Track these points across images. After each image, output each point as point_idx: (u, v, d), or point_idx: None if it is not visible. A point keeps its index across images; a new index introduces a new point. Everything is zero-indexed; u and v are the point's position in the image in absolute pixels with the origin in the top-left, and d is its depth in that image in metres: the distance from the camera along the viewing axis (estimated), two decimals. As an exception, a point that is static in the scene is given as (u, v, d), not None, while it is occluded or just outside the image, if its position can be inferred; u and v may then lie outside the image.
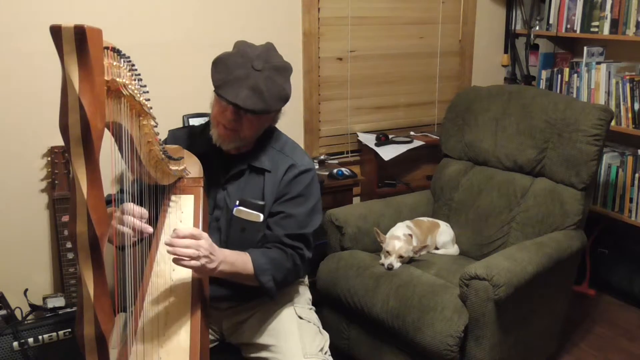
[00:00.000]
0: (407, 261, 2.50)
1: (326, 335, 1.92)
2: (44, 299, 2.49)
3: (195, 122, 2.67)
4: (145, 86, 1.34)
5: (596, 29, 3.23)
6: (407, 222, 2.72)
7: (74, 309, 2.42)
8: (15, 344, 2.22)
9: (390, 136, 3.38)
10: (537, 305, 2.41)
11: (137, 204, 1.55)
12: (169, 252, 1.44)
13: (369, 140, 3.35)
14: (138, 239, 1.53)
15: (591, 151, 2.49)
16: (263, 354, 1.82)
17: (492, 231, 2.71)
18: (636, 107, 3.05)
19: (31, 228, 2.61)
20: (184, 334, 1.52)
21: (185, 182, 1.78)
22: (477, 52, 3.76)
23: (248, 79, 1.67)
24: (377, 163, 3.30)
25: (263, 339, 1.84)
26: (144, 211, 1.54)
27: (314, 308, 2.02)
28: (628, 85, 3.07)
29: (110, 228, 1.51)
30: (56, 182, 2.47)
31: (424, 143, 3.39)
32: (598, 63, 3.23)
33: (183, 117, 2.78)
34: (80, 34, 1.01)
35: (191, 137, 1.94)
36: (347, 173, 3.09)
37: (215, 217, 1.86)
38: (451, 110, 3.04)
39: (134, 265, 1.47)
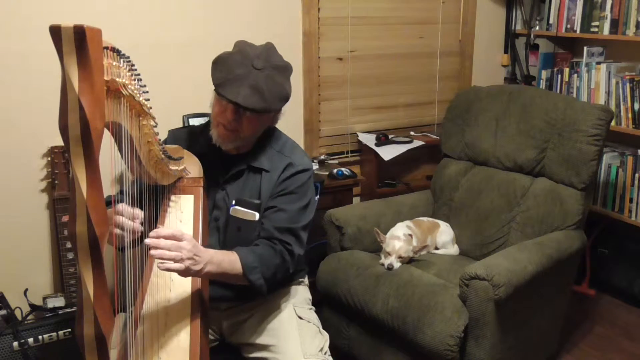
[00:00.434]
0: (407, 261, 2.50)
1: (326, 335, 1.92)
2: (44, 299, 2.49)
3: (195, 122, 2.66)
4: (145, 86, 1.34)
5: (596, 29, 3.23)
6: (407, 222, 2.72)
7: (74, 309, 2.42)
8: (15, 344, 2.22)
9: (390, 136, 3.38)
10: (537, 305, 2.41)
11: (137, 204, 1.55)
12: (151, 254, 1.40)
13: (369, 140, 3.35)
14: (131, 240, 1.52)
15: (591, 151, 2.49)
16: (263, 354, 1.81)
17: (492, 231, 2.71)
18: (636, 107, 3.05)
19: (31, 228, 2.61)
20: (183, 334, 1.52)
21: (185, 182, 1.78)
22: (477, 52, 3.76)
23: (248, 78, 1.67)
24: (377, 163, 3.30)
25: (263, 339, 1.84)
26: (137, 211, 1.54)
27: (313, 308, 2.01)
28: (628, 85, 3.07)
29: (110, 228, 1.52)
30: (56, 182, 2.47)
31: (424, 143, 3.39)
32: (598, 63, 3.23)
33: (183, 117, 2.78)
34: (80, 34, 1.01)
35: (191, 137, 1.94)
36: (347, 173, 3.09)
37: (214, 217, 1.86)
38: (451, 110, 3.04)
39: (133, 265, 1.47)
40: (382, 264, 2.46)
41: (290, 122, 3.12)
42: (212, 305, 1.82)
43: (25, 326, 2.27)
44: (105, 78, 1.12)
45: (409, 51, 3.53)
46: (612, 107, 3.14)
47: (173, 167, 1.65)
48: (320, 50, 3.23)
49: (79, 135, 1.03)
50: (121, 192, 1.63)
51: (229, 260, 1.64)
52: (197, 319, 1.55)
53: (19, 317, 2.39)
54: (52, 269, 2.69)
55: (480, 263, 2.18)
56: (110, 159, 1.31)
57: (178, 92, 2.81)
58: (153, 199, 1.65)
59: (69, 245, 2.43)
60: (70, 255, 2.45)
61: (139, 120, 1.38)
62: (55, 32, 1.01)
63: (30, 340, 2.25)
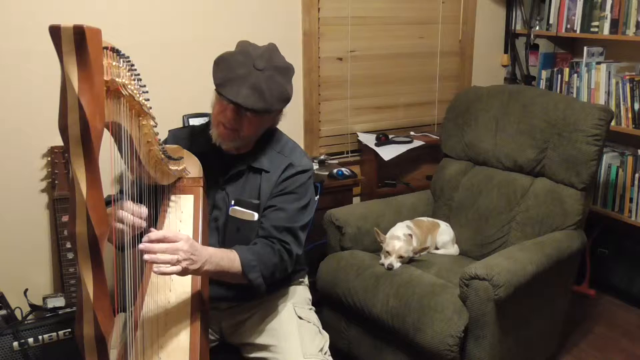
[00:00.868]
0: (407, 261, 2.50)
1: (326, 335, 1.92)
2: (44, 299, 2.48)
3: (195, 122, 2.67)
4: (144, 86, 1.34)
5: (596, 29, 3.23)
6: (407, 222, 2.72)
7: (74, 309, 2.42)
8: (15, 344, 2.22)
9: (390, 136, 3.38)
10: (537, 305, 2.41)
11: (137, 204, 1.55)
12: (145, 259, 1.39)
13: (369, 140, 3.35)
14: (132, 235, 1.52)
15: (591, 151, 2.49)
16: (263, 354, 1.81)
17: (492, 231, 2.71)
18: (636, 107, 3.05)
19: (31, 228, 2.61)
20: (183, 334, 1.52)
21: (185, 182, 1.78)
22: (477, 52, 3.76)
23: (249, 78, 1.67)
24: (377, 163, 3.30)
25: (263, 339, 1.84)
26: (143, 208, 1.54)
27: (313, 308, 2.02)
28: (628, 85, 3.07)
29: (110, 227, 1.52)
30: (56, 182, 2.47)
31: (424, 143, 3.39)
32: (598, 63, 3.23)
33: (183, 117, 2.78)
34: (80, 34, 1.01)
35: (191, 137, 1.94)
36: (347, 173, 3.09)
37: (214, 218, 1.86)
38: (451, 110, 3.04)
39: (133, 265, 1.47)
40: (382, 264, 2.46)
41: (290, 122, 3.12)
42: (212, 305, 1.82)
43: (25, 326, 2.27)
44: (105, 78, 1.12)
45: (409, 51, 3.53)
46: (612, 107, 3.14)
47: (173, 167, 1.65)
48: (320, 50, 3.23)
49: (78, 135, 1.03)
50: (121, 191, 1.63)
51: (227, 259, 1.64)
52: (197, 319, 1.55)
53: (19, 317, 2.40)
54: (52, 269, 2.69)
55: (480, 263, 2.18)
56: (110, 159, 1.31)
57: (178, 92, 2.81)
58: (153, 199, 1.65)
59: (69, 245, 2.43)
60: (70, 255, 2.45)
61: (139, 120, 1.38)
62: (55, 32, 1.01)
63: (30, 340, 2.25)
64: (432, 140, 3.42)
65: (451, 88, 3.72)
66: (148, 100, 1.37)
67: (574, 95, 3.37)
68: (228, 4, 2.89)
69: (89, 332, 1.10)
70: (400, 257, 2.46)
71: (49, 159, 2.52)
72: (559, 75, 3.49)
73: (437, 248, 2.76)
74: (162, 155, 1.55)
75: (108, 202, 1.62)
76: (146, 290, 1.57)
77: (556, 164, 2.60)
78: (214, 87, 1.73)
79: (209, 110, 1.82)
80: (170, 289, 1.60)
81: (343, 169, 3.11)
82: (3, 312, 2.36)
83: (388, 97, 3.54)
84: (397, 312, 2.24)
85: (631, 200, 3.12)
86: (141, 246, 1.39)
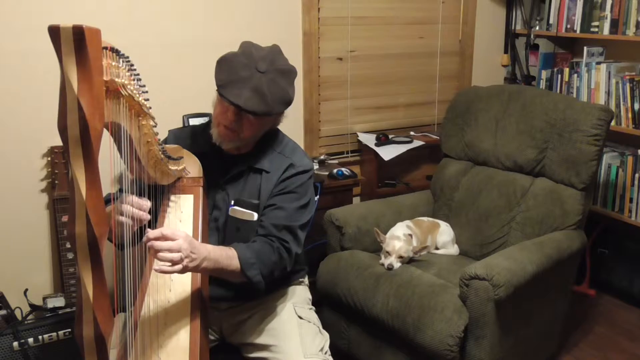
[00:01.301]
0: (407, 261, 2.50)
1: (326, 335, 1.92)
2: (44, 299, 2.49)
3: (195, 122, 2.66)
4: (144, 86, 1.34)
5: (596, 29, 3.23)
6: (407, 222, 2.72)
7: (74, 309, 2.41)
8: (15, 344, 2.22)
9: (390, 136, 3.38)
10: (537, 305, 2.41)
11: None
12: (152, 255, 1.40)
13: (369, 140, 3.35)
14: (137, 229, 1.52)
15: (591, 151, 2.49)
16: (263, 354, 1.81)
17: (492, 231, 2.71)
18: (636, 107, 3.04)
19: (31, 228, 2.61)
20: (183, 334, 1.52)
21: (185, 182, 1.78)
22: (477, 52, 3.76)
23: (251, 81, 1.67)
24: (377, 163, 3.30)
25: (263, 339, 1.84)
26: (146, 202, 1.54)
27: (313, 308, 2.01)
28: (628, 85, 3.06)
29: (111, 226, 1.52)
30: (56, 182, 2.48)
31: (424, 143, 3.39)
32: (598, 63, 3.23)
33: (183, 117, 2.78)
34: (79, 34, 1.01)
35: (192, 137, 1.94)
36: (347, 173, 3.09)
37: (214, 218, 1.86)
38: (451, 110, 3.04)
39: (133, 265, 1.47)
40: (382, 264, 2.46)
41: (290, 122, 3.09)
42: (212, 305, 1.82)
43: (25, 326, 2.27)
44: (105, 78, 1.12)
45: (409, 51, 3.53)
46: (612, 107, 3.13)
47: (173, 167, 1.65)
48: (320, 50, 3.23)
49: (78, 135, 1.02)
50: (120, 191, 1.63)
51: (226, 256, 1.63)
52: (197, 318, 1.55)
53: (19, 317, 2.40)
54: (52, 269, 2.69)
55: (480, 263, 2.18)
56: (110, 159, 1.31)
57: (178, 92, 2.81)
58: (153, 198, 1.65)
59: (68, 245, 2.43)
60: (70, 255, 2.45)
61: (139, 120, 1.38)
62: (54, 32, 1.01)
63: (30, 340, 2.25)
64: (432, 140, 3.42)
65: (451, 88, 3.72)
66: (148, 100, 1.37)
67: (574, 95, 3.37)
68: (228, 4, 2.89)
69: (89, 332, 1.10)
70: (400, 257, 2.46)
71: (49, 159, 2.52)
72: (559, 75, 3.49)
73: (437, 248, 2.76)
74: (162, 155, 1.55)
75: (108, 200, 1.63)
76: (146, 290, 1.57)
77: (556, 164, 2.60)
78: (214, 87, 1.73)
79: (209, 110, 1.82)
80: (170, 289, 1.60)
81: (343, 169, 3.11)
82: (3, 312, 2.36)
83: (388, 97, 3.54)
84: (397, 312, 2.24)
85: (631, 200, 3.12)
86: (150, 243, 1.40)
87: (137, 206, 1.51)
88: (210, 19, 2.86)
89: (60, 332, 2.30)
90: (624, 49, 3.27)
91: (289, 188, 1.83)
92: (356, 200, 3.38)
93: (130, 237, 1.46)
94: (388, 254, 2.47)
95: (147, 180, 1.60)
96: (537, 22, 3.65)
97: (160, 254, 1.41)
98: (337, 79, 3.34)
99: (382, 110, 3.55)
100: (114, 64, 1.17)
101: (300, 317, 1.89)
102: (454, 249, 2.77)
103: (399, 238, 2.51)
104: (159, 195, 1.70)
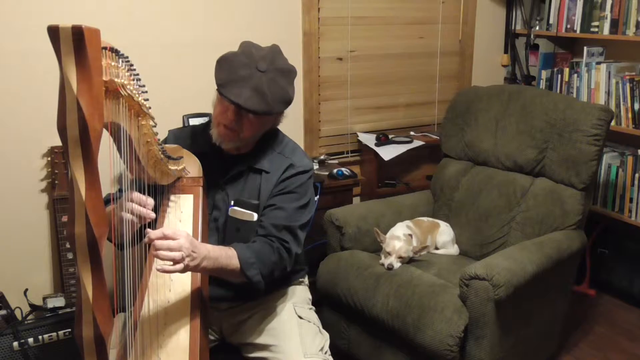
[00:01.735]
0: (407, 261, 2.50)
1: (326, 335, 1.92)
2: (44, 299, 2.49)
3: (195, 122, 2.66)
4: (144, 86, 1.33)
5: (596, 29, 3.23)
6: (407, 222, 2.72)
7: (74, 309, 2.42)
8: (15, 344, 2.22)
9: (390, 136, 3.38)
10: (537, 305, 2.41)
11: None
12: (154, 255, 1.40)
13: (369, 140, 3.34)
14: (135, 234, 1.52)
15: (591, 151, 2.49)
16: (263, 354, 1.81)
17: (492, 231, 2.71)
18: (636, 107, 3.04)
19: (31, 228, 2.61)
20: (183, 334, 1.52)
21: (185, 182, 1.78)
22: (477, 52, 3.76)
23: (251, 80, 1.67)
24: (377, 163, 3.30)
25: (263, 339, 1.84)
26: (150, 199, 1.54)
27: (313, 308, 2.02)
28: (628, 85, 3.06)
29: (112, 225, 1.52)
30: (56, 182, 2.48)
31: (424, 143, 3.39)
32: (598, 63, 3.23)
33: (183, 117, 2.78)
34: (78, 34, 1.00)
35: (192, 137, 1.94)
36: (347, 173, 3.09)
37: (214, 218, 1.86)
38: (451, 110, 3.04)
39: (133, 265, 1.47)
40: (382, 264, 2.46)
41: (290, 122, 3.09)
42: (212, 305, 1.82)
43: (25, 326, 2.27)
44: (104, 78, 1.11)
45: (409, 51, 3.53)
46: (612, 107, 3.13)
47: (172, 167, 1.65)
48: (320, 50, 3.23)
49: (77, 136, 1.02)
50: (120, 191, 1.63)
51: (225, 256, 1.63)
52: (196, 318, 1.55)
53: (19, 317, 2.40)
54: (52, 269, 2.69)
55: (480, 263, 2.18)
56: (109, 159, 1.31)
57: (178, 92, 2.81)
58: (152, 198, 1.65)
59: (69, 245, 2.43)
60: (70, 255, 2.45)
61: (138, 120, 1.38)
62: (53, 32, 1.01)
63: (30, 340, 2.25)
64: (432, 140, 3.42)
65: (451, 88, 3.72)
66: (147, 100, 1.37)
67: (574, 95, 3.37)
68: (228, 4, 2.89)
69: (88, 333, 1.10)
70: (400, 257, 2.46)
71: (49, 159, 2.52)
72: (559, 75, 3.49)
73: (437, 248, 2.76)
74: (162, 155, 1.55)
75: (107, 200, 1.63)
76: (146, 290, 1.57)
77: (556, 164, 2.60)
78: (214, 87, 1.73)
79: (209, 110, 1.82)
80: (170, 289, 1.60)
81: (343, 169, 3.11)
82: (3, 312, 2.36)
83: (388, 97, 3.54)
84: (397, 312, 2.24)
85: (631, 200, 3.12)
86: (156, 243, 1.40)
87: (141, 203, 1.52)
88: (210, 19, 2.86)
89: (60, 332, 2.30)
90: (624, 49, 3.27)
91: (289, 188, 1.83)
92: (356, 200, 3.38)
93: (130, 236, 1.46)
94: (388, 254, 2.47)
95: (147, 180, 1.59)
96: (537, 22, 3.65)
97: (162, 253, 1.41)
98: (337, 79, 3.34)
99: (382, 110, 3.54)
100: (113, 64, 1.17)
101: (300, 317, 1.89)
102: (454, 249, 2.77)
103: (399, 238, 2.50)
104: (158, 195, 1.70)
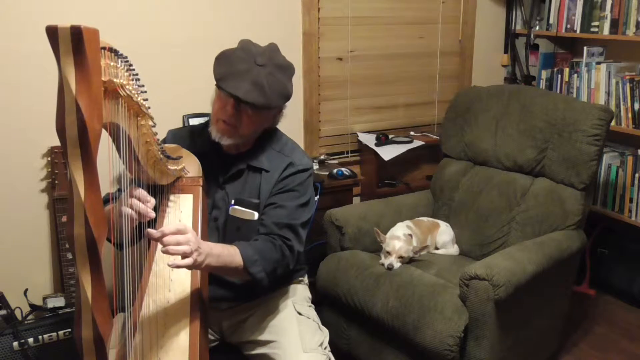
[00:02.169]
0: (407, 261, 2.50)
1: (326, 331, 1.92)
2: (44, 299, 2.49)
3: (195, 122, 2.66)
4: (143, 86, 1.33)
5: (596, 29, 3.23)
6: (407, 222, 2.71)
7: (74, 309, 2.42)
8: (15, 344, 2.22)
9: (390, 136, 3.38)
10: (537, 305, 2.41)
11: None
12: (163, 251, 1.41)
13: (369, 140, 3.34)
14: (134, 234, 1.52)
15: (591, 151, 2.49)
16: (263, 350, 1.82)
17: (492, 231, 2.71)
18: (636, 107, 3.04)
19: (31, 228, 2.61)
20: (183, 334, 1.52)
21: (184, 182, 1.77)
22: (477, 52, 3.76)
23: (250, 74, 1.68)
24: (377, 163, 3.30)
25: (263, 336, 1.84)
26: (151, 198, 1.54)
27: (313, 306, 2.02)
28: (628, 85, 3.06)
29: (112, 223, 1.52)
30: (56, 182, 2.48)
31: (424, 143, 3.39)
32: (598, 63, 3.23)
33: (183, 117, 2.79)
34: (77, 34, 1.00)
35: (191, 137, 1.94)
36: (347, 173, 3.09)
37: (213, 217, 1.86)
38: (451, 110, 3.04)
39: (132, 265, 1.47)
40: (382, 264, 2.46)
41: (290, 122, 3.11)
42: (212, 305, 1.82)
43: (25, 326, 2.27)
44: (103, 79, 1.11)
45: (409, 51, 3.53)
46: (612, 107, 3.13)
47: (172, 167, 1.65)
48: (320, 50, 3.23)
49: (76, 136, 1.02)
50: (119, 191, 1.63)
51: (228, 253, 1.64)
52: (196, 319, 1.54)
53: (19, 317, 2.40)
54: (52, 269, 2.69)
55: (480, 263, 2.18)
56: (109, 159, 1.31)
57: (178, 92, 2.81)
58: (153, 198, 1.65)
59: (68, 245, 2.43)
60: (70, 255, 2.45)
61: (137, 120, 1.38)
62: (52, 32, 1.00)
63: (30, 340, 2.25)
64: (432, 140, 3.42)
65: (451, 88, 3.72)
66: (147, 100, 1.37)
67: (574, 95, 3.37)
68: (228, 3, 2.89)
69: (88, 334, 1.10)
70: (400, 257, 2.46)
71: (49, 159, 2.52)
72: (559, 75, 3.49)
73: (437, 248, 2.75)
74: (161, 155, 1.55)
75: (106, 200, 1.63)
76: (145, 291, 1.57)
77: (556, 164, 2.60)
78: (214, 86, 1.73)
79: (209, 110, 1.82)
80: (170, 289, 1.60)
81: (343, 169, 3.11)
82: (3, 312, 2.37)
83: (388, 97, 3.54)
84: (397, 312, 2.24)
85: (631, 200, 3.12)
86: (163, 239, 1.40)
87: (143, 200, 1.52)
88: (210, 19, 2.86)
89: (60, 332, 2.30)
90: (624, 49, 3.27)
91: (289, 186, 1.83)
92: (356, 200, 3.38)
93: (130, 231, 1.46)
94: (388, 254, 2.47)
95: (146, 180, 1.59)
96: (537, 22, 3.65)
97: (172, 248, 1.40)
98: (337, 79, 3.34)
99: (382, 110, 3.54)
100: (112, 64, 1.17)
101: (300, 314, 1.90)
102: (454, 249, 2.77)
103: (399, 238, 2.50)
104: (158, 194, 1.70)
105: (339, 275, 2.51)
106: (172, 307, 1.57)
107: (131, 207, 1.49)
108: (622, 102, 3.11)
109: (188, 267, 1.46)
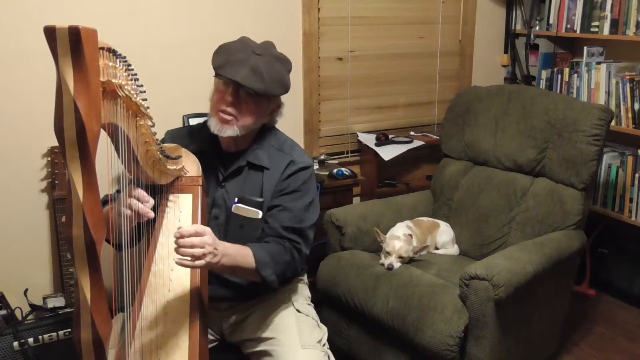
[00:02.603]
0: (407, 261, 2.50)
1: (324, 328, 1.93)
2: (44, 299, 2.49)
3: (195, 122, 2.66)
4: (142, 86, 1.33)
5: (596, 29, 3.23)
6: (407, 222, 2.71)
7: (73, 309, 2.42)
8: (15, 344, 2.22)
9: (390, 136, 3.38)
10: (537, 305, 2.40)
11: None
12: (175, 250, 1.43)
13: (369, 140, 3.34)
14: (134, 234, 1.53)
15: (591, 151, 2.49)
16: (262, 347, 1.82)
17: (492, 231, 2.71)
18: (636, 107, 3.04)
19: (31, 228, 2.61)
20: (183, 334, 1.52)
21: (184, 181, 1.77)
22: (477, 52, 3.75)
23: (248, 61, 1.71)
24: (377, 163, 3.30)
25: (262, 333, 1.85)
26: (150, 198, 1.55)
27: (312, 304, 2.02)
28: (628, 85, 3.06)
29: (110, 223, 1.52)
30: (56, 182, 2.48)
31: (424, 143, 3.39)
32: (598, 63, 3.23)
33: (183, 117, 2.78)
34: (75, 34, 1.00)
35: (189, 137, 1.94)
36: (347, 173, 3.09)
37: (213, 215, 1.86)
38: (451, 110, 3.04)
39: (132, 265, 1.47)
40: (382, 264, 2.46)
41: (290, 122, 3.12)
42: (212, 305, 1.82)
43: (25, 326, 2.28)
44: (101, 79, 1.11)
45: (409, 51, 3.52)
46: (612, 107, 3.13)
47: (171, 167, 1.65)
48: (320, 50, 3.23)
49: (74, 138, 1.02)
50: (118, 191, 1.63)
51: (242, 254, 1.67)
52: (196, 318, 1.54)
53: (19, 317, 2.40)
54: (52, 269, 2.69)
55: (480, 263, 2.17)
56: (108, 160, 1.31)
57: (178, 92, 2.81)
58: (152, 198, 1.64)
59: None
60: (70, 255, 2.45)
61: (136, 120, 1.38)
62: (50, 33, 1.00)
63: (30, 340, 2.25)
64: (432, 140, 3.42)
65: (451, 88, 3.72)
66: (146, 100, 1.37)
67: (574, 95, 3.36)
68: (228, 4, 2.89)
69: (87, 336, 1.10)
70: (400, 257, 2.46)
71: (49, 159, 2.52)
72: (559, 75, 3.49)
73: (437, 248, 2.75)
74: (160, 155, 1.55)
75: (105, 201, 1.63)
76: (145, 291, 1.57)
77: (556, 164, 2.59)
78: (213, 86, 1.73)
79: (208, 110, 1.82)
80: (169, 289, 1.60)
81: (343, 169, 3.11)
82: (3, 312, 2.37)
83: (388, 97, 3.53)
84: (397, 312, 2.24)
85: (631, 200, 3.11)
86: (177, 239, 1.43)
87: (142, 200, 1.52)
88: (210, 19, 2.86)
89: (60, 332, 2.30)
90: (624, 49, 3.26)
91: (293, 187, 1.84)
92: (356, 200, 3.38)
93: (128, 231, 1.47)
94: (388, 254, 2.47)
95: (146, 180, 1.59)
96: (537, 22, 3.65)
97: (183, 250, 1.43)
98: (337, 79, 3.34)
99: (382, 110, 3.54)
100: (110, 64, 1.17)
101: (299, 311, 1.91)
102: (454, 249, 2.77)
103: (399, 238, 2.50)
104: (157, 194, 1.70)
105: (339, 275, 2.51)
106: (172, 307, 1.57)
107: (130, 208, 1.49)
108: (622, 102, 3.11)
109: (201, 268, 1.49)
